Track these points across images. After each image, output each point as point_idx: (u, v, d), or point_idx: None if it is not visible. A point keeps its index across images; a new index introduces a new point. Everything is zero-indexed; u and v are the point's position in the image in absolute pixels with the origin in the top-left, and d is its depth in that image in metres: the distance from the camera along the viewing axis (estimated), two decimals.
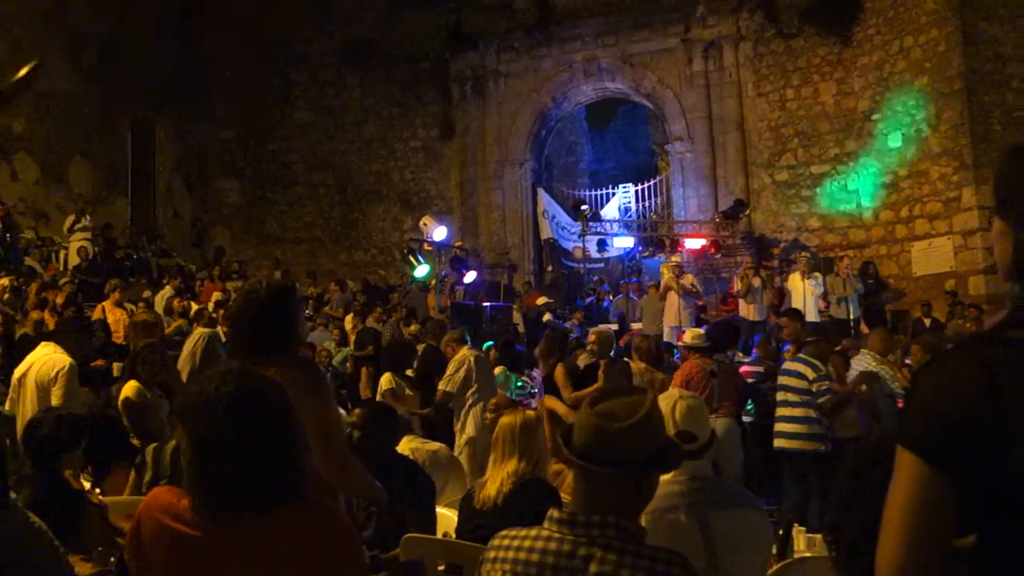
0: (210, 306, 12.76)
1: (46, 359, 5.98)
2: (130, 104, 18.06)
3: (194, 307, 12.64)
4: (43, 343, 6.28)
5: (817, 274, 13.78)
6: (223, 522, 1.89)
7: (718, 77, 17.27)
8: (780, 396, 6.83)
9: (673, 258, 14.51)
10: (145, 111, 18.51)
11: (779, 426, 6.75)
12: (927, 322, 12.98)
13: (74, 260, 14.32)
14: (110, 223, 16.10)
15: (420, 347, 10.12)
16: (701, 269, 16.67)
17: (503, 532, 2.05)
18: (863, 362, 7.17)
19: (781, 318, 9.70)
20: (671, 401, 2.81)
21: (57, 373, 5.83)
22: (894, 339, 8.65)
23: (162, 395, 5.58)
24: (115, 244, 15.80)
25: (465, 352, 7.63)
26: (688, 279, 13.66)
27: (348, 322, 13.25)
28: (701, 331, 7.85)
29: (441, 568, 3.51)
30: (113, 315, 11.00)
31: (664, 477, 2.70)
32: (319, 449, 2.68)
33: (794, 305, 13.15)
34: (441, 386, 7.40)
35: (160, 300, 12.69)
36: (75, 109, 16.87)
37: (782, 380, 6.89)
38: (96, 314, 11.15)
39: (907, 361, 8.11)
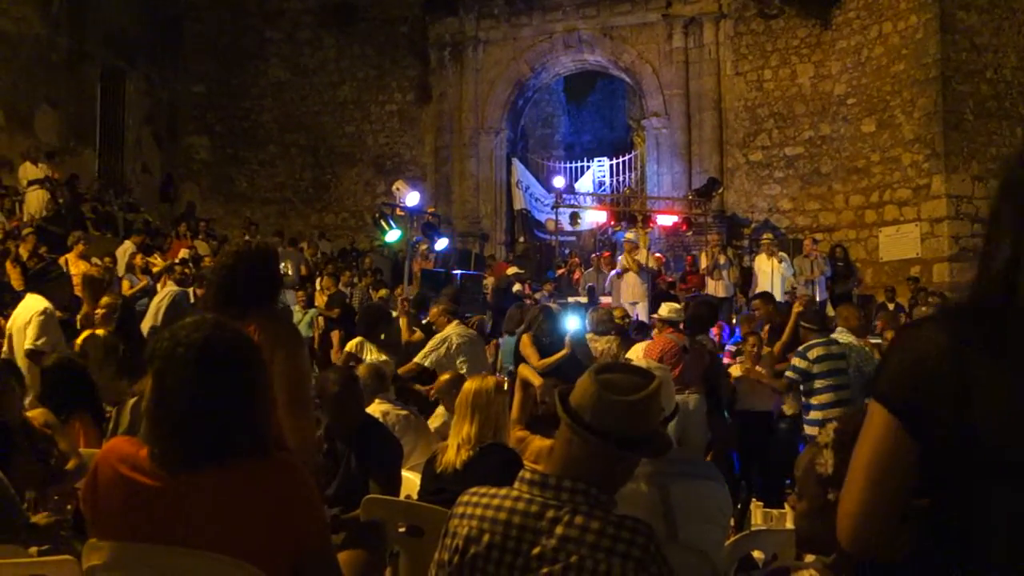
0: (177, 262, 12.60)
1: (25, 307, 6.03)
2: (100, 53, 17.64)
3: (159, 263, 12.47)
4: (29, 293, 6.28)
5: (783, 254, 13.85)
6: (181, 473, 1.87)
7: (697, 54, 17.24)
8: (825, 381, 6.49)
9: (628, 235, 14.48)
10: (116, 61, 18.09)
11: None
12: (891, 307, 13.14)
13: (31, 208, 13.99)
14: (76, 174, 15.78)
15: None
16: (672, 246, 16.76)
17: (473, 489, 2.05)
18: (843, 338, 7.17)
19: (753, 300, 9.74)
20: None
21: (31, 318, 5.83)
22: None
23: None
24: (81, 196, 15.49)
25: (450, 330, 7.60)
26: (643, 255, 13.62)
27: (318, 284, 13.16)
28: (678, 305, 7.58)
29: (402, 530, 3.51)
30: (76, 268, 10.77)
31: None
32: (284, 397, 2.86)
33: (762, 286, 13.27)
34: (417, 359, 7.39)
35: (121, 255, 12.48)
36: (43, 56, 16.44)
37: (831, 364, 6.53)
38: None
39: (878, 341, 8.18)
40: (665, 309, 7.41)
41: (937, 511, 1.40)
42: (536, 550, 1.88)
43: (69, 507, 3.06)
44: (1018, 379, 1.32)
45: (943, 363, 1.36)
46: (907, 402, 1.39)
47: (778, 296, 12.77)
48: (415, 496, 3.81)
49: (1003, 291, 1.36)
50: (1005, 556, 1.34)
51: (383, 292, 12.47)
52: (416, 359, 7.40)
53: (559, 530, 1.88)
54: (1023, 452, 1.30)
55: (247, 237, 14.97)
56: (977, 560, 1.38)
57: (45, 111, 16.59)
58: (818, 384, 6.50)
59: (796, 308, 7.55)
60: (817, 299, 13.41)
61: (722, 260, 13.90)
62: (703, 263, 14.34)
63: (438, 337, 7.50)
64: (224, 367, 1.90)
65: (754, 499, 4.43)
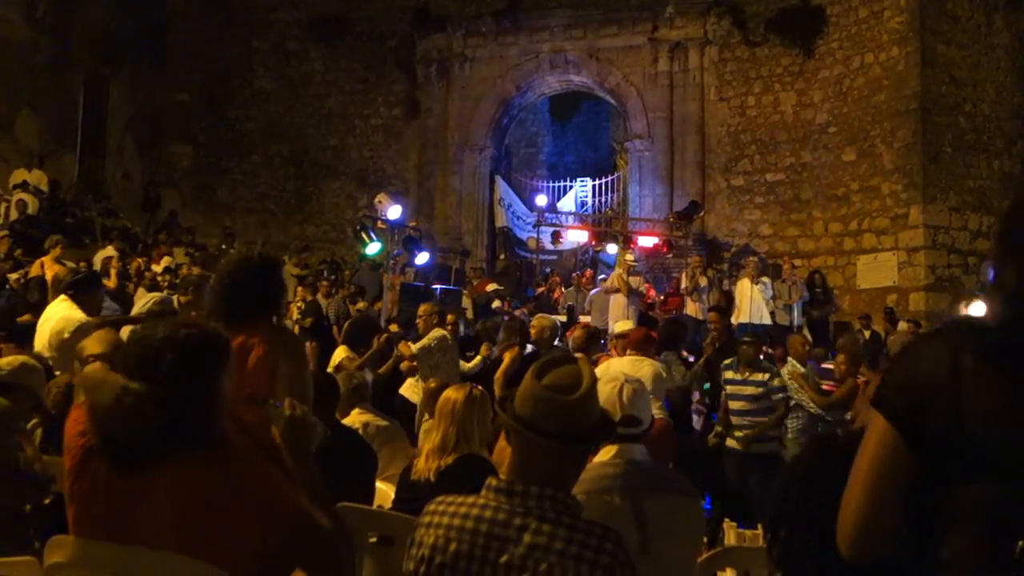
0: (158, 271, 12.52)
1: (65, 316, 5.71)
2: (84, 58, 17.57)
3: (140, 269, 12.37)
4: (62, 296, 6.03)
5: (766, 279, 13.91)
6: (131, 464, 1.86)
7: (682, 78, 17.39)
8: (742, 404, 6.68)
9: (628, 256, 14.54)
10: (100, 66, 18.01)
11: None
12: (866, 334, 13.18)
13: (15, 214, 13.92)
14: (57, 180, 15.67)
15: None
16: (651, 268, 16.81)
17: (440, 498, 2.03)
18: (790, 366, 7.26)
19: (709, 313, 9.89)
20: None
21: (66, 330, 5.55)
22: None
23: None
24: (60, 200, 15.38)
25: (442, 331, 7.65)
26: (635, 280, 13.64)
27: (297, 295, 13.08)
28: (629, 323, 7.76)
29: (373, 540, 3.48)
30: (52, 271, 10.71)
31: (600, 459, 2.71)
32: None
33: (742, 309, 13.29)
34: (413, 347, 7.41)
35: (97, 260, 12.36)
36: (26, 59, 16.35)
37: (745, 390, 6.71)
38: (34, 270, 10.86)
39: (828, 366, 8.27)
40: (622, 326, 7.51)
41: (915, 516, 1.45)
42: (504, 558, 1.87)
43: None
44: (1013, 385, 1.37)
45: (939, 372, 1.42)
46: (903, 409, 1.45)
47: (758, 319, 12.85)
48: (387, 507, 3.78)
49: (1010, 310, 1.42)
50: (983, 559, 1.38)
51: (361, 304, 12.40)
52: (413, 348, 7.44)
53: (527, 538, 1.86)
54: (1015, 455, 1.35)
55: (223, 246, 14.88)
56: (946, 563, 1.41)
57: (27, 115, 16.48)
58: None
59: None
60: (795, 323, 13.49)
61: (703, 282, 13.92)
62: (683, 283, 14.38)
63: (434, 336, 7.52)
64: (178, 366, 1.89)
65: (727, 519, 4.41)
